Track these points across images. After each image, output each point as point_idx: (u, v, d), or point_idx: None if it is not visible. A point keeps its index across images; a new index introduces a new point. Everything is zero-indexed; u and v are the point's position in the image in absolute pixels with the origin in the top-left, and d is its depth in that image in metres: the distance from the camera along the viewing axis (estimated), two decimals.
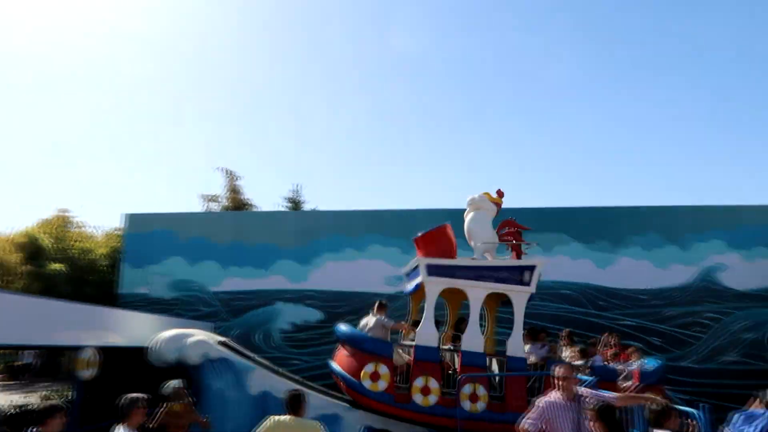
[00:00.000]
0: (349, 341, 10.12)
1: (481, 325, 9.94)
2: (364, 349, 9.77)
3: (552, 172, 50.38)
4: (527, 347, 9.84)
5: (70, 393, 11.61)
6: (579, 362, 9.11)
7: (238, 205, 24.15)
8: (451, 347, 10.24)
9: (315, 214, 21.30)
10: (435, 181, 50.68)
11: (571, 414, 5.12)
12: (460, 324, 10.31)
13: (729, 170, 48.64)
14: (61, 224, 20.79)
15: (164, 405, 7.16)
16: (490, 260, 10.11)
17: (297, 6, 55.79)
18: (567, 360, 9.34)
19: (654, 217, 15.94)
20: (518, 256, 10.04)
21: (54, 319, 9.09)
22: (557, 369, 5.36)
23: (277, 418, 5.11)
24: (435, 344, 9.69)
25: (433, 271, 9.96)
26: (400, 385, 9.59)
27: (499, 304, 10.95)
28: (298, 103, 51.80)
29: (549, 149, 51.75)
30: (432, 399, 9.16)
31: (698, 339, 14.86)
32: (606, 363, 9.54)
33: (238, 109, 51.07)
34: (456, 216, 16.64)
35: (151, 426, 6.94)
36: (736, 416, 3.30)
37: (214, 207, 23.87)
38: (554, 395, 5.30)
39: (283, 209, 24.32)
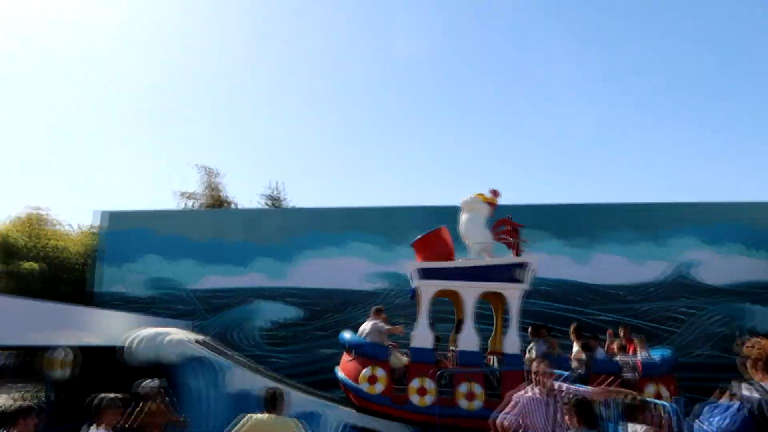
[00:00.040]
0: (349, 347, 10.39)
1: (481, 325, 10.09)
2: (362, 353, 10.02)
3: (531, 170, 50.84)
4: (532, 344, 9.95)
5: (44, 394, 11.43)
6: (582, 356, 9.28)
7: (217, 202, 23.95)
8: (453, 348, 10.40)
9: (295, 211, 21.20)
10: (415, 178, 50.83)
11: (547, 408, 5.19)
12: (461, 325, 10.40)
13: (704, 168, 49.54)
14: (35, 222, 20.40)
15: (141, 405, 7.08)
16: (487, 260, 10.21)
17: (276, 2, 55.46)
18: (574, 354, 9.50)
19: (630, 214, 16.17)
20: (518, 254, 10.22)
21: (28, 318, 8.94)
22: (534, 364, 5.42)
23: (255, 416, 5.09)
24: (430, 346, 9.86)
25: (426, 274, 10.22)
26: (399, 387, 9.71)
27: (506, 302, 11.08)
28: (278, 101, 51.53)
29: (527, 147, 52.20)
30: (428, 399, 9.31)
31: (673, 333, 15.11)
32: (610, 356, 9.64)
33: (217, 106, 50.65)
34: (436, 214, 16.82)
35: (127, 426, 6.87)
36: (705, 408, 3.35)
37: (193, 204, 23.64)
38: (531, 390, 5.36)
39: (262, 207, 24.18)
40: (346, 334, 10.74)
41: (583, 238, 15.82)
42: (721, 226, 15.57)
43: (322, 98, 52.59)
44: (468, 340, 9.80)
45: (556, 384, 5.37)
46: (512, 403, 5.34)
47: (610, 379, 6.09)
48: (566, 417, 4.67)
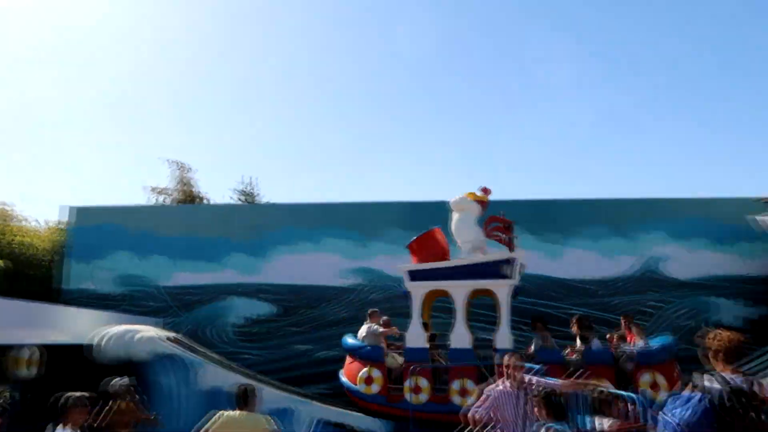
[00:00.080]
0: (348, 351, 10.86)
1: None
2: (359, 356, 10.49)
3: (504, 166, 51.26)
4: (534, 338, 10.15)
5: (9, 393, 11.17)
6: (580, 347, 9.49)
7: (189, 198, 23.64)
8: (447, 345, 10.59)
9: (268, 207, 21.05)
10: (390, 174, 50.88)
11: (518, 401, 5.27)
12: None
13: (673, 164, 50.56)
14: (0, 218, 19.88)
15: (110, 403, 6.98)
16: (474, 257, 10.39)
17: None
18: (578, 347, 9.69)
19: (601, 210, 16.43)
20: (512, 250, 10.38)
21: None
22: (505, 358, 5.49)
23: (227, 413, 5.07)
24: (423, 345, 10.17)
25: (415, 276, 10.63)
26: (396, 386, 10.00)
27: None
28: (250, 95, 50.99)
29: (501, 143, 52.63)
30: (423, 397, 9.48)
31: (642, 327, 15.44)
32: (608, 346, 9.78)
33: (189, 100, 49.90)
34: (410, 209, 16.90)
35: (96, 425, 6.77)
36: (669, 400, 3.43)
37: (164, 200, 23.29)
38: (502, 384, 5.43)
39: (235, 202, 23.95)
40: (348, 339, 11.10)
41: (556, 233, 16.03)
42: (688, 222, 15.94)
43: (296, 93, 52.27)
44: (459, 337, 10.00)
45: (526, 377, 5.45)
46: (483, 396, 5.41)
47: (579, 371, 6.23)
48: (535, 410, 4.75)
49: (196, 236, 16.44)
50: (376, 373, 10.12)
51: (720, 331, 3.58)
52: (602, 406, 4.59)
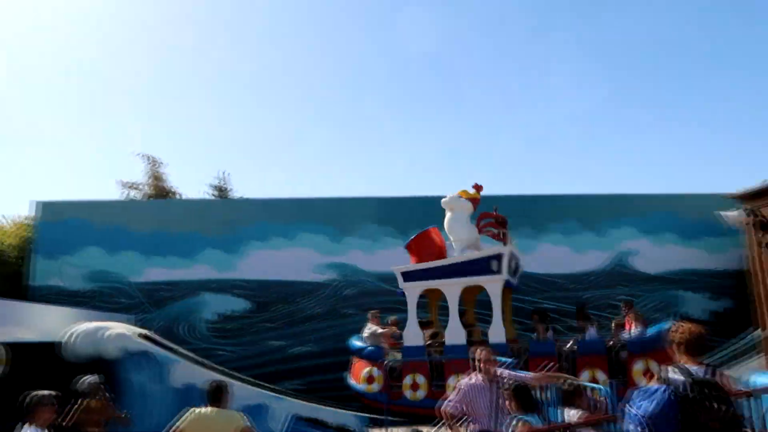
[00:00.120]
0: (353, 352, 11.28)
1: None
2: (362, 356, 10.94)
3: (477, 161, 51.62)
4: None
5: None
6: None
7: (161, 192, 23.28)
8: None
9: (242, 202, 20.87)
10: (364, 169, 50.81)
11: (490, 395, 5.32)
12: (461, 317, 10.96)
13: (642, 160, 51.52)
14: None
15: (79, 402, 6.87)
16: (463, 255, 10.67)
17: None
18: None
19: (572, 205, 16.69)
20: (506, 244, 10.70)
21: None
22: (477, 351, 5.54)
23: (198, 410, 5.03)
24: (420, 343, 10.50)
25: (409, 277, 11.01)
26: (397, 383, 10.32)
27: (511, 293, 11.59)
28: (223, 89, 50.37)
29: (474, 138, 52.97)
30: (420, 394, 9.63)
31: (612, 320, 15.76)
32: (604, 335, 9.95)
33: (161, 94, 49.10)
34: (385, 204, 16.92)
35: (65, 424, 6.66)
36: (635, 393, 3.51)
37: (135, 195, 22.90)
38: (475, 377, 5.49)
39: (208, 197, 23.68)
40: (354, 341, 11.51)
41: (528, 228, 16.22)
42: (656, 217, 16.31)
43: (269, 87, 51.82)
44: (454, 333, 10.31)
45: (498, 370, 5.52)
46: (456, 390, 5.46)
47: (550, 364, 6.36)
48: (507, 402, 4.83)
49: (168, 231, 16.20)
50: (377, 372, 10.49)
51: (682, 324, 3.68)
52: (570, 397, 4.68)
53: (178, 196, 23.96)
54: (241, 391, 9.16)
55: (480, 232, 10.95)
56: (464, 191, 11.35)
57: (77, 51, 48.12)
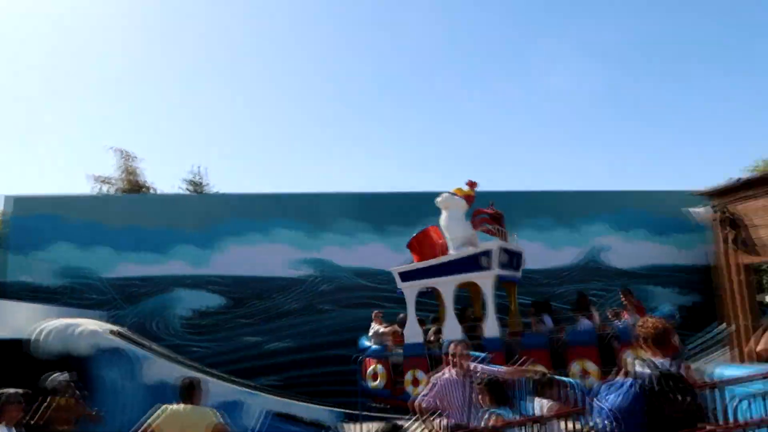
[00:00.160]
0: (361, 352, 11.62)
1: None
2: (368, 355, 11.33)
3: (453, 157, 51.90)
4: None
5: None
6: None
7: (134, 187, 22.96)
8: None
9: (217, 197, 20.68)
10: (340, 164, 50.72)
11: (464, 389, 5.39)
12: (465, 311, 11.38)
13: (614, 157, 52.35)
14: None
15: (49, 399, 6.77)
16: (455, 253, 10.78)
17: None
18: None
19: (546, 201, 16.88)
20: (504, 239, 10.90)
21: None
22: (451, 346, 5.60)
23: (170, 406, 5.00)
24: (420, 340, 10.80)
25: (406, 277, 11.31)
26: (400, 379, 10.63)
27: (515, 287, 11.79)
28: (198, 83, 49.70)
29: (450, 134, 53.23)
30: (421, 389, 9.79)
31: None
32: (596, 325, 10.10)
33: (136, 87, 48.24)
34: (361, 200, 16.92)
35: (34, 422, 6.57)
36: (603, 387, 3.59)
37: (108, 189, 22.55)
38: (448, 372, 5.55)
39: (183, 192, 23.41)
40: (363, 341, 11.85)
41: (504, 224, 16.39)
42: (628, 213, 16.61)
43: (245, 81, 51.34)
44: (451, 329, 10.46)
45: (472, 365, 5.59)
46: (429, 385, 5.51)
47: (523, 358, 6.44)
48: (480, 397, 4.89)
49: (141, 227, 15.94)
50: (380, 369, 10.87)
51: (648, 319, 3.78)
52: (543, 389, 4.78)
53: (152, 191, 23.66)
54: (216, 387, 9.09)
55: (475, 228, 11.13)
56: (459, 189, 11.49)
57: (47, 41, 47.04)
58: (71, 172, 46.42)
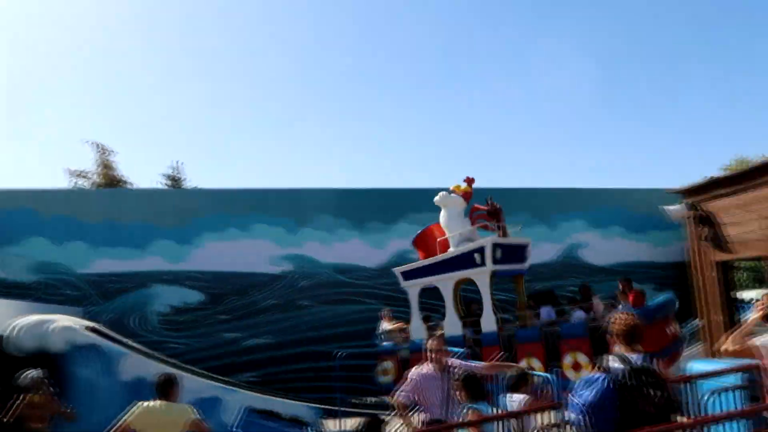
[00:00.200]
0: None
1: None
2: (378, 351, 11.83)
3: (433, 154, 52.08)
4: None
5: None
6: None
7: (111, 181, 22.65)
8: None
9: (196, 192, 20.48)
10: (321, 160, 50.54)
11: (441, 384, 5.41)
12: (470, 307, 11.53)
13: (591, 154, 52.95)
14: None
15: (22, 397, 6.67)
16: (452, 251, 11.03)
17: None
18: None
19: (525, 199, 17.02)
20: (504, 234, 11.10)
21: None
22: (429, 342, 5.63)
23: (146, 403, 4.96)
24: (424, 337, 10.77)
25: (407, 276, 11.80)
26: None
27: (522, 279, 11.92)
28: (176, 77, 49.14)
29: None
30: None
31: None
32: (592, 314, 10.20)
33: (113, 81, 47.50)
34: (341, 196, 16.90)
35: (6, 420, 6.48)
36: (578, 382, 3.65)
37: (84, 184, 22.20)
38: (426, 367, 5.57)
39: (161, 187, 23.15)
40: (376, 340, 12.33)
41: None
42: (604, 211, 16.85)
43: (224, 75, 50.86)
44: (452, 325, 10.80)
45: (450, 360, 5.62)
46: (407, 380, 5.53)
47: (500, 354, 6.52)
48: (457, 393, 4.93)
49: (118, 222, 15.69)
50: (389, 365, 11.30)
51: (619, 314, 3.85)
52: (517, 383, 4.84)
53: (129, 186, 23.36)
54: (194, 383, 9.05)
55: (473, 224, 11.34)
56: (457, 186, 11.72)
57: (22, 35, 46.05)
58: (47, 166, 45.57)
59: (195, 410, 5.02)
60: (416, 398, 5.47)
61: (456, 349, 7.35)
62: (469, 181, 11.75)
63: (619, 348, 3.80)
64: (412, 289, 11.68)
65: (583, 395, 3.49)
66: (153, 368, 9.20)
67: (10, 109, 44.77)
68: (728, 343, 4.24)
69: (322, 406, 10.44)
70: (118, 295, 15.28)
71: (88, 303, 15.01)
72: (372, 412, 8.24)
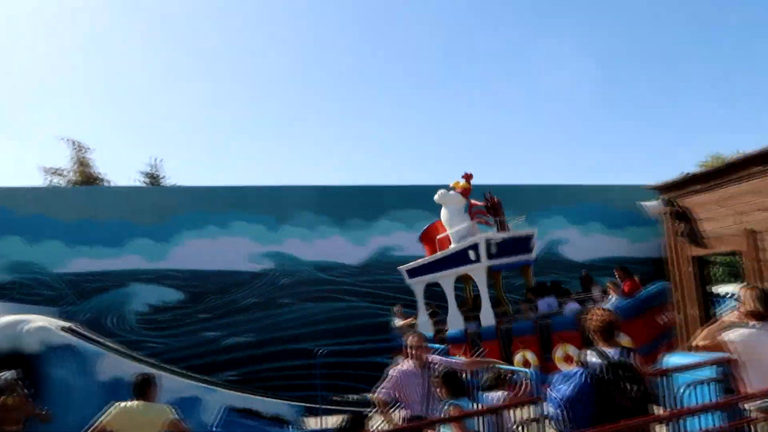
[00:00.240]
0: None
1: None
2: (393, 347, 11.82)
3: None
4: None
5: None
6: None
7: (87, 179, 22.31)
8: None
9: (174, 189, 20.26)
10: (302, 157, 50.33)
11: (422, 381, 5.42)
12: (476, 301, 11.67)
13: (569, 151, 53.48)
14: None
15: None
16: (450, 248, 11.19)
17: None
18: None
19: (505, 195, 17.08)
20: (504, 228, 11.36)
21: None
22: (409, 338, 5.62)
23: (123, 404, 4.89)
24: (430, 332, 11.18)
25: (412, 273, 12.11)
26: None
27: (529, 270, 12.16)
28: (154, 73, 48.47)
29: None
30: None
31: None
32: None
33: (90, 76, 46.70)
34: (321, 193, 16.83)
35: None
36: (556, 377, 3.69)
37: (59, 181, 21.83)
38: (406, 364, 5.57)
39: (140, 184, 22.86)
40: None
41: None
42: (584, 207, 17.01)
43: (202, 70, 50.34)
44: (453, 321, 10.98)
45: (430, 356, 5.63)
46: (388, 377, 5.53)
47: (480, 350, 6.56)
48: (437, 389, 4.94)
49: (95, 220, 15.45)
50: (400, 360, 11.47)
51: (596, 311, 3.89)
52: (493, 384, 4.87)
53: (106, 183, 23.03)
54: (173, 383, 8.94)
55: (474, 221, 11.46)
56: (456, 182, 11.89)
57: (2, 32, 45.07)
58: (21, 163, 44.70)
59: (173, 410, 4.97)
60: (396, 395, 5.47)
61: (436, 346, 7.37)
62: (468, 176, 11.90)
63: (597, 343, 3.84)
64: (417, 285, 12.01)
65: (561, 390, 3.53)
66: (131, 368, 9.08)
67: None
68: (699, 340, 4.31)
69: (303, 404, 10.40)
70: (95, 295, 15.05)
71: (65, 303, 14.77)
72: (353, 409, 8.24)
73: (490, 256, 10.57)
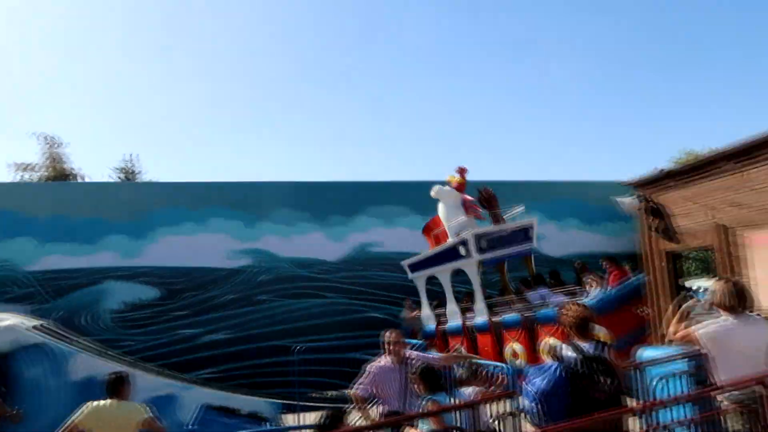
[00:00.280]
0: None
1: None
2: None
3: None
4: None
5: None
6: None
7: (60, 175, 21.89)
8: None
9: (150, 185, 19.96)
10: (281, 153, 49.99)
11: (400, 376, 5.43)
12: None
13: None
14: None
15: None
16: (445, 243, 11.44)
17: None
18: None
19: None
20: (497, 222, 11.59)
21: None
22: (386, 334, 5.63)
23: (96, 403, 4.82)
24: (434, 324, 11.70)
25: (413, 268, 12.55)
26: None
27: (529, 259, 12.38)
28: (131, 65, 47.72)
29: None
30: None
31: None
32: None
33: (63, 70, 45.79)
34: (300, 189, 16.73)
35: None
36: (531, 370, 3.73)
37: (30, 177, 21.39)
38: (384, 360, 5.58)
39: (114, 180, 22.51)
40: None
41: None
42: (560, 203, 17.19)
43: (179, 65, 49.70)
44: (452, 314, 11.26)
45: (408, 352, 5.64)
46: (366, 373, 5.53)
47: (457, 345, 6.60)
48: (414, 385, 4.94)
49: (67, 216, 15.14)
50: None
51: (570, 306, 3.93)
52: (468, 377, 4.91)
53: (80, 179, 22.64)
54: (149, 381, 8.84)
55: (469, 215, 11.60)
56: (451, 176, 12.12)
57: None
58: None
59: (148, 408, 4.91)
60: (374, 391, 5.48)
61: (414, 341, 7.40)
62: (461, 171, 12.08)
63: (572, 337, 3.89)
64: (419, 280, 12.41)
65: (536, 383, 3.57)
66: (105, 367, 8.94)
67: None
68: (670, 332, 4.39)
69: (282, 401, 10.35)
70: (69, 293, 14.76)
71: (36, 301, 14.48)
72: (331, 405, 8.22)
73: (480, 251, 10.68)
